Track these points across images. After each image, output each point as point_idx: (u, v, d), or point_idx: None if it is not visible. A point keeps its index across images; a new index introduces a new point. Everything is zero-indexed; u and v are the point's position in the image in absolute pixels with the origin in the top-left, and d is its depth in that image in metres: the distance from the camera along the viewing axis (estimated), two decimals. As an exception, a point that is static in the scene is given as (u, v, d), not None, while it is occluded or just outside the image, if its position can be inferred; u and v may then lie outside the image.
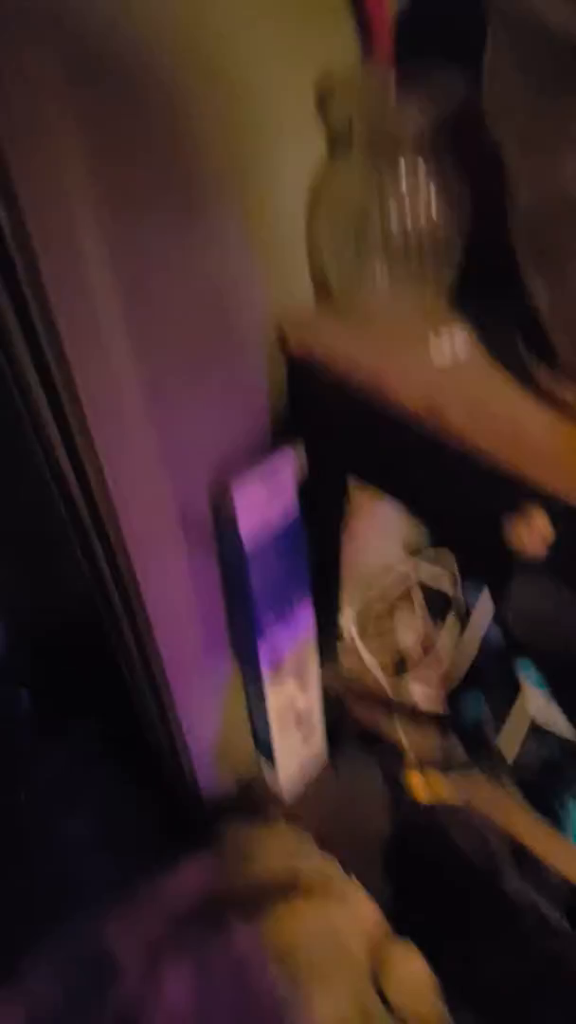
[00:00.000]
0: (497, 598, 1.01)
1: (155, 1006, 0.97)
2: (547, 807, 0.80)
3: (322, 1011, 0.97)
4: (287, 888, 1.05)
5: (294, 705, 1.01)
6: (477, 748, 0.90)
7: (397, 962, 0.99)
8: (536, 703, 0.89)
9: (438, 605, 1.10)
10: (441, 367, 0.62)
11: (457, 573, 1.10)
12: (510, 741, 0.88)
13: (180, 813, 1.21)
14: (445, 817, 1.08)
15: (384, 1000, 0.96)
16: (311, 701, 1.05)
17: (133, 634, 0.91)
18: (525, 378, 0.59)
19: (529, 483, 0.55)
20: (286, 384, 0.74)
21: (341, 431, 0.72)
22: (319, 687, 1.05)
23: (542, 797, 0.82)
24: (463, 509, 0.65)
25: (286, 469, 0.74)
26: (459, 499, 0.64)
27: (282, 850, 1.09)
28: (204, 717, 1.09)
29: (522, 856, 1.02)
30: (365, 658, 1.06)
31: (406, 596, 1.14)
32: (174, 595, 0.85)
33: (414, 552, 1.14)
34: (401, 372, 0.62)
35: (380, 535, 1.11)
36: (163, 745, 1.11)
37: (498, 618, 1.01)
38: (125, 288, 0.59)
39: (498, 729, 0.90)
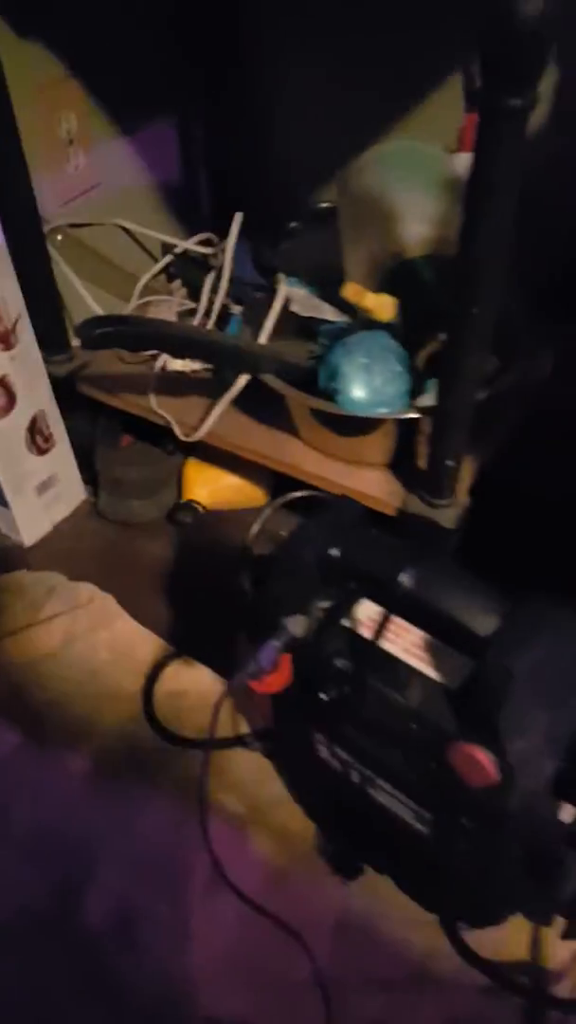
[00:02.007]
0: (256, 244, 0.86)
1: None
2: (321, 390, 0.65)
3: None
4: (36, 632, 0.82)
5: (11, 389, 0.76)
6: (238, 365, 0.73)
7: (175, 676, 0.78)
8: (296, 298, 0.73)
9: (195, 278, 0.92)
10: None
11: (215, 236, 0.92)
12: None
13: None
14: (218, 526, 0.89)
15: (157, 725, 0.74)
16: (38, 392, 0.80)
17: None
18: None
19: None
20: None
21: None
22: (46, 378, 0.82)
23: (313, 380, 0.66)
24: None
25: None
26: None
27: (27, 600, 0.85)
28: None
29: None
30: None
31: (164, 290, 0.96)
32: None
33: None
34: None
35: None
36: None
37: (256, 259, 0.85)
38: None
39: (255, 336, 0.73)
